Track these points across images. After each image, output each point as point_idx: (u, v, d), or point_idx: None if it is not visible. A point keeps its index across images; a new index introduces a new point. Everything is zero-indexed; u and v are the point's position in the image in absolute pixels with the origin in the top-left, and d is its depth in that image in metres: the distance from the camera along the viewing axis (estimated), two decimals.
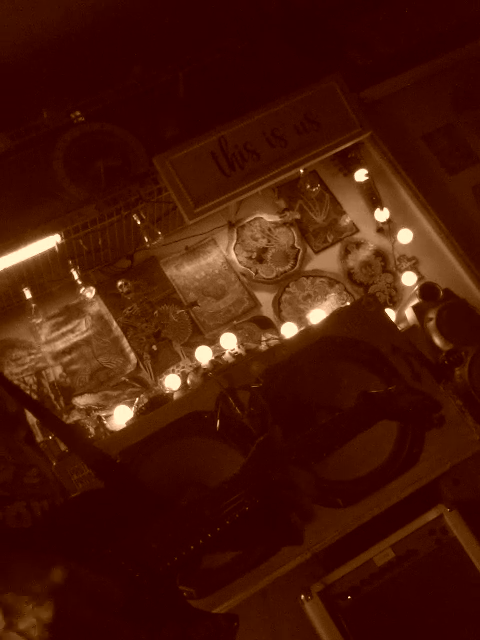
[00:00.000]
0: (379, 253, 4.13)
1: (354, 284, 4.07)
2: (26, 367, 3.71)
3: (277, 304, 3.99)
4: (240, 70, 3.94)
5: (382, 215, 4.11)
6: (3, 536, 1.14)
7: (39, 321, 3.74)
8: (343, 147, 3.82)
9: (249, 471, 1.27)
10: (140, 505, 1.26)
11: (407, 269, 4.05)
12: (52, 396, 3.68)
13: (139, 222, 3.57)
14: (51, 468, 1.33)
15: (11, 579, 1.00)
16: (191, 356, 3.76)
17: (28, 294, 3.65)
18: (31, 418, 1.38)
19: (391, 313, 3.82)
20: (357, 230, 4.20)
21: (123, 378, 3.78)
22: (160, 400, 3.45)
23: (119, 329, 3.87)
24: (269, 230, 4.14)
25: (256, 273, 4.06)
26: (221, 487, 1.25)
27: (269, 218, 4.17)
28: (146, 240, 3.61)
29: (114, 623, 1.03)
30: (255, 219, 4.16)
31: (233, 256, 4.07)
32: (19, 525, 1.17)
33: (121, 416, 3.48)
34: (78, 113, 3.77)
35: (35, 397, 3.64)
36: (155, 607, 1.14)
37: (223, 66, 3.94)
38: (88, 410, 3.64)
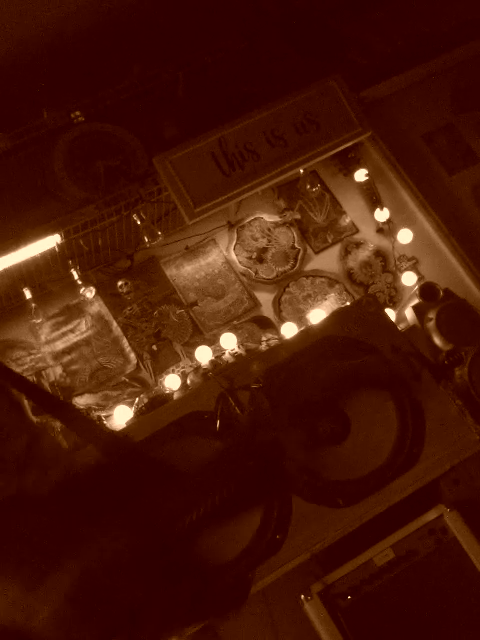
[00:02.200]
0: (379, 253, 4.14)
1: (354, 284, 4.07)
2: (26, 367, 3.71)
3: (277, 304, 3.99)
4: (240, 70, 3.94)
5: (382, 215, 4.11)
6: (22, 502, 1.14)
7: (39, 321, 3.74)
8: (343, 147, 3.81)
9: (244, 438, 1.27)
10: (152, 473, 1.27)
11: (407, 269, 4.05)
12: None
13: (139, 222, 3.57)
14: (65, 438, 1.35)
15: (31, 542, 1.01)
16: (191, 356, 3.76)
17: (28, 294, 3.65)
18: None
19: (391, 313, 3.83)
20: (357, 230, 4.20)
21: (123, 378, 3.78)
22: (160, 400, 3.45)
23: (119, 329, 3.87)
24: (269, 230, 4.14)
25: (256, 273, 4.06)
26: (226, 451, 1.25)
27: (269, 218, 4.17)
28: (146, 240, 3.61)
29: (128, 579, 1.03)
30: (255, 219, 4.17)
31: (233, 256, 4.07)
32: (36, 492, 1.18)
33: (121, 416, 3.48)
34: (78, 113, 3.77)
35: None
36: (171, 567, 1.14)
37: (223, 66, 3.94)
38: (88, 410, 3.64)
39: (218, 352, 3.69)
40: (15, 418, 1.27)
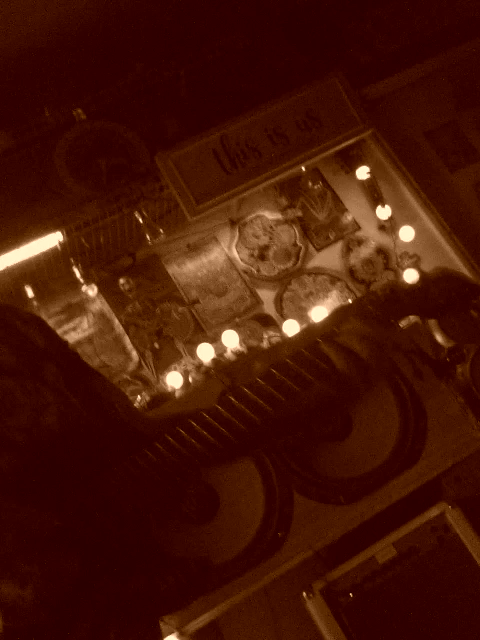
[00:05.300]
0: (381, 250, 4.13)
1: (356, 282, 4.07)
2: None
3: (279, 302, 3.99)
4: (242, 67, 3.94)
5: (384, 212, 4.10)
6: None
7: None
8: (345, 144, 3.81)
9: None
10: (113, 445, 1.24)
11: (409, 266, 4.05)
12: None
13: (141, 220, 3.57)
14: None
15: None
16: (193, 354, 3.76)
17: (30, 292, 3.65)
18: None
19: None
20: (359, 227, 4.20)
21: (125, 376, 3.78)
22: (162, 398, 3.45)
23: (121, 327, 3.87)
24: (271, 228, 4.14)
25: (258, 271, 4.06)
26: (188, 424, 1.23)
27: (271, 216, 4.17)
28: (148, 238, 3.61)
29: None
30: (257, 217, 4.16)
31: (235, 254, 4.07)
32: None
33: None
34: (80, 111, 3.77)
35: None
36: (123, 555, 1.12)
37: (225, 63, 3.94)
38: None
39: (220, 350, 3.70)
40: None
